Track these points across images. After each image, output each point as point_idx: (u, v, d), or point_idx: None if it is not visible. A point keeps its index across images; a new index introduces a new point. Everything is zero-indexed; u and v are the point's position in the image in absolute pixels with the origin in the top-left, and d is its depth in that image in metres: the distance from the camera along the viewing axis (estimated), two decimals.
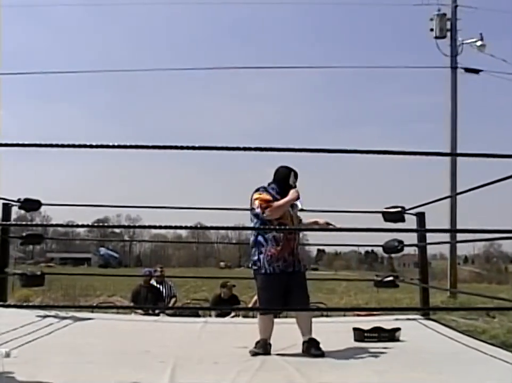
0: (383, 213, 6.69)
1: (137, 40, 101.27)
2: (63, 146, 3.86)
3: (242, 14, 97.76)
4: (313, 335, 4.54)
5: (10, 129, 76.27)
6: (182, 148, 3.80)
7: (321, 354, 4.38)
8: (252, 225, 4.71)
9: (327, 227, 4.87)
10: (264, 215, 4.50)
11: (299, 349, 4.53)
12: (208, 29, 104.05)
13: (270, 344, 4.52)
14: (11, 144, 3.85)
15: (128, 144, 3.87)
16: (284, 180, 4.71)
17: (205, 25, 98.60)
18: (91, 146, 3.86)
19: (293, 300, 4.56)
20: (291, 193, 4.59)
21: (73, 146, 3.88)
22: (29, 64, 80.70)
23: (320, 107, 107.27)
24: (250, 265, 4.78)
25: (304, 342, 4.53)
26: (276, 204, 4.53)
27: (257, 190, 4.68)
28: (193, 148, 3.80)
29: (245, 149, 3.84)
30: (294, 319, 4.82)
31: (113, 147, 3.89)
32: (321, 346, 4.46)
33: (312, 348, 4.44)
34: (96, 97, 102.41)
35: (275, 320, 4.76)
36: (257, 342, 4.52)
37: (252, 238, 4.71)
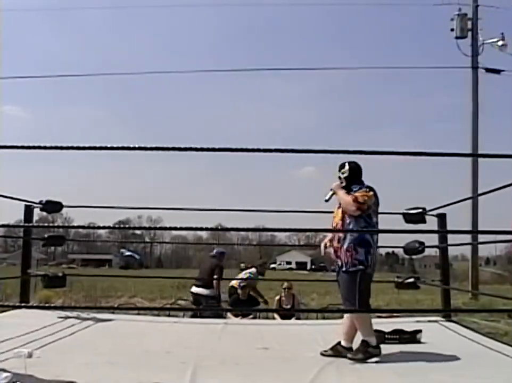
0: (404, 214, 6.65)
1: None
2: (72, 148, 3.74)
3: (263, 14, 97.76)
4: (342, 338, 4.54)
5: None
6: (198, 149, 3.77)
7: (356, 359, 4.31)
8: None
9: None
10: None
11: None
12: (227, 30, 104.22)
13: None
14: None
15: (149, 146, 3.83)
16: None
17: (224, 27, 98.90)
18: (100, 148, 3.69)
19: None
20: None
21: (79, 148, 3.81)
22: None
23: (339, 108, 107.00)
24: (348, 266, 4.45)
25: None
26: None
27: None
28: (212, 149, 3.78)
29: (264, 150, 3.83)
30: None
31: (128, 148, 3.75)
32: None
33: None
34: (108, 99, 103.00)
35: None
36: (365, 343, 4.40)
37: (351, 238, 4.46)
